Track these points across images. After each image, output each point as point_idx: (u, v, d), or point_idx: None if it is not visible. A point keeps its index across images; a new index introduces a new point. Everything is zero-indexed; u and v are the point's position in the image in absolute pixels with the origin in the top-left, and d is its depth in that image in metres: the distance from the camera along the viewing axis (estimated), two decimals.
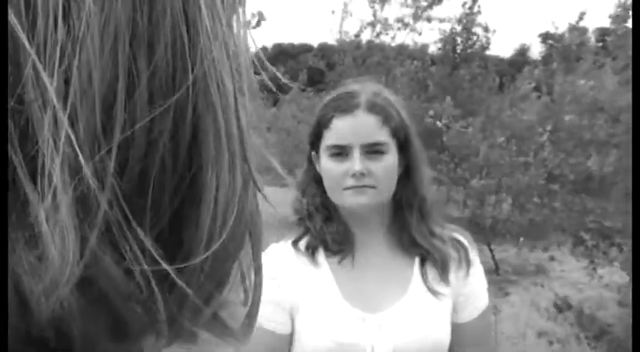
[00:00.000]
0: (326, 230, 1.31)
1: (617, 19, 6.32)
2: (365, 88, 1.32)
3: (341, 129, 1.27)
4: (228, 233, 0.30)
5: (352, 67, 10.17)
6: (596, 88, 6.83)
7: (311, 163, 1.37)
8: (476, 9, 10.58)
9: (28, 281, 0.25)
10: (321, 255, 1.32)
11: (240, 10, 0.32)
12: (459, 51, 10.91)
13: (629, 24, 6.22)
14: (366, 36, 10.78)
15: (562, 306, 5.66)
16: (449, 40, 10.84)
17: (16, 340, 0.26)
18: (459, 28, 10.79)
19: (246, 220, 0.32)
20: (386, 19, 10.66)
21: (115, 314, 0.28)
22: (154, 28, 0.27)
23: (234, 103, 0.30)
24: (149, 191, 0.27)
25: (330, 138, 1.28)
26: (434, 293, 1.29)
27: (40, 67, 0.24)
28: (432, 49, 11.28)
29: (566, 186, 6.68)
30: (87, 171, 0.24)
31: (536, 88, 9.79)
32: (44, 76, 0.24)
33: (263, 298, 1.19)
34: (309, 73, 12.17)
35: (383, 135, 1.27)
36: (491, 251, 7.72)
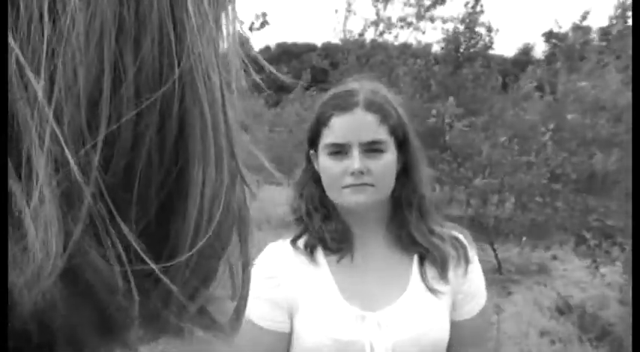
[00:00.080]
0: (325, 228, 1.31)
1: (616, 19, 6.32)
2: (363, 87, 1.32)
3: (340, 128, 1.27)
4: (214, 228, 0.30)
5: (356, 66, 10.18)
6: (598, 87, 6.82)
7: (309, 162, 1.37)
8: (478, 8, 10.57)
9: (10, 273, 0.25)
10: (319, 254, 1.32)
11: (230, 7, 0.33)
12: (461, 50, 10.90)
13: (628, 23, 6.22)
14: (369, 35, 10.77)
15: (563, 309, 5.66)
16: (452, 39, 10.83)
17: None
18: (461, 28, 10.78)
19: (233, 215, 0.32)
20: (389, 18, 10.66)
21: (101, 308, 0.28)
22: (140, 24, 0.27)
23: (221, 99, 0.31)
24: (135, 185, 0.27)
25: (328, 136, 1.28)
26: (433, 291, 1.30)
27: (24, 62, 0.24)
28: (435, 48, 11.27)
29: (568, 186, 6.67)
30: (72, 165, 0.25)
31: (540, 88, 9.78)
32: (28, 71, 0.24)
33: (262, 297, 1.20)
34: (313, 72, 12.18)
35: (382, 134, 1.27)
36: (494, 250, 7.72)
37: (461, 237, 1.38)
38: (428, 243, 1.31)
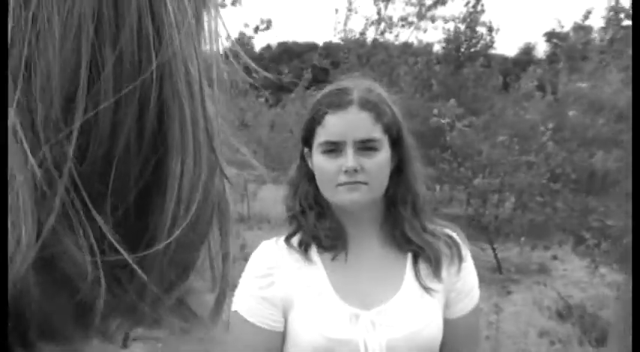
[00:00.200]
0: (319, 226, 1.31)
1: (609, 22, 6.33)
2: (358, 85, 1.32)
3: (334, 126, 1.27)
4: (192, 219, 0.31)
5: (356, 65, 10.18)
6: (598, 87, 6.82)
7: (304, 160, 1.37)
8: (479, 8, 10.56)
9: None
10: (314, 252, 1.32)
11: (211, 4, 0.33)
12: (462, 50, 10.90)
13: (623, 23, 6.21)
14: (370, 34, 10.78)
15: (563, 312, 5.66)
16: (452, 39, 10.83)
17: None
18: (462, 27, 10.79)
19: (212, 207, 0.32)
20: (390, 18, 10.66)
21: (77, 297, 0.29)
22: (119, 18, 0.27)
23: (199, 92, 0.31)
24: (112, 174, 0.28)
25: (322, 134, 1.28)
26: (426, 289, 1.30)
27: None
28: (436, 48, 11.27)
29: (568, 186, 6.67)
30: (47, 156, 0.25)
31: (541, 88, 9.77)
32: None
33: (256, 295, 1.20)
34: (314, 71, 12.17)
35: (376, 132, 1.27)
36: (493, 250, 7.72)
37: (454, 235, 1.38)
38: (422, 241, 1.31)
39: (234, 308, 1.30)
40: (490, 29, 10.88)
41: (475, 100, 9.91)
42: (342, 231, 1.33)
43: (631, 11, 7.53)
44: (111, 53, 0.27)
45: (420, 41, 11.04)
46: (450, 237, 1.37)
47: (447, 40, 10.92)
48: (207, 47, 0.33)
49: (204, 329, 0.36)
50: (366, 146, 1.26)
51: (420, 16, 10.54)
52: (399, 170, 1.33)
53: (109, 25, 0.27)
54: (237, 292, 1.32)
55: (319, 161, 1.29)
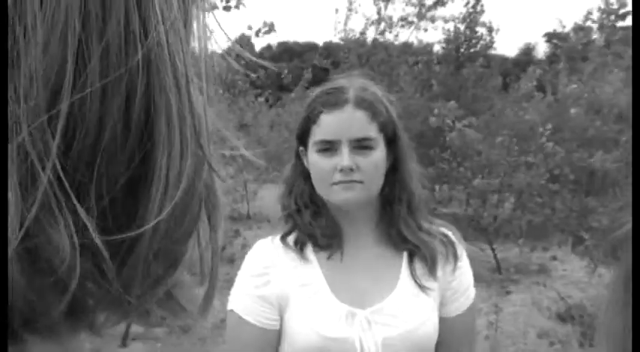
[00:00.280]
0: (315, 225, 1.31)
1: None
2: (353, 84, 1.32)
3: (329, 125, 1.27)
4: (178, 213, 0.31)
5: (356, 65, 10.18)
6: (597, 87, 6.82)
7: (299, 158, 1.37)
8: (479, 8, 10.56)
9: None
10: (309, 251, 1.32)
11: (200, 0, 0.33)
12: (462, 50, 10.90)
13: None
14: (370, 34, 10.78)
15: (563, 313, 5.66)
16: (452, 39, 10.84)
17: None
18: (462, 28, 10.79)
19: (198, 202, 0.33)
20: (390, 17, 10.66)
21: (67, 290, 0.29)
22: (105, 12, 0.28)
23: (186, 87, 0.31)
24: (97, 165, 0.28)
25: (318, 133, 1.29)
26: (422, 288, 1.30)
27: None
28: (436, 48, 11.27)
29: (567, 186, 6.68)
30: (30, 149, 0.25)
31: (541, 88, 9.77)
32: None
33: (252, 294, 1.20)
34: (314, 71, 12.17)
35: (371, 131, 1.27)
36: (493, 250, 7.72)
37: (450, 233, 1.38)
38: (417, 239, 1.32)
39: (230, 307, 1.30)
40: (490, 29, 10.89)
41: (475, 101, 9.91)
42: (338, 229, 1.34)
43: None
44: (97, 47, 0.27)
45: (420, 41, 11.04)
46: (446, 236, 1.37)
47: (447, 41, 10.93)
48: (196, 42, 0.33)
49: (193, 322, 0.36)
50: (361, 145, 1.27)
51: (420, 16, 10.55)
52: (394, 169, 1.33)
53: (96, 19, 0.27)
54: (234, 291, 1.32)
55: (315, 160, 1.29)
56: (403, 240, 1.32)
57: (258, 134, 10.93)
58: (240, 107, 10.58)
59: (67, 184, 0.27)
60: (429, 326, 1.29)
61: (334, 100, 1.28)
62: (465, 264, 1.38)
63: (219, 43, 0.34)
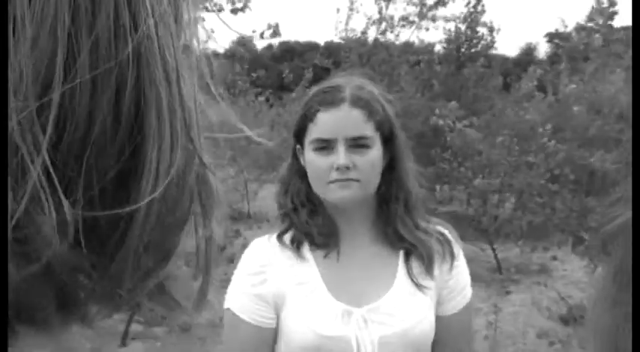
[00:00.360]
0: (311, 223, 1.32)
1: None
2: (350, 82, 1.32)
3: (326, 123, 1.28)
4: (168, 206, 0.31)
5: (357, 64, 10.17)
6: (599, 87, 6.82)
7: (295, 157, 1.37)
8: (479, 8, 10.56)
9: None
10: (306, 249, 1.33)
11: None
12: (463, 50, 10.89)
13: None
14: (372, 34, 10.78)
15: (567, 317, 5.66)
16: (453, 39, 10.83)
17: None
18: (463, 28, 10.79)
19: (189, 195, 0.33)
20: (391, 17, 10.65)
21: (55, 281, 0.29)
22: (95, 6, 0.28)
23: (177, 81, 0.31)
24: (87, 158, 0.28)
25: (314, 131, 1.29)
26: (419, 286, 1.30)
27: None
28: (437, 48, 11.27)
29: (567, 186, 6.67)
30: (21, 142, 0.25)
31: (542, 88, 9.76)
32: None
33: (248, 292, 1.20)
34: (315, 71, 12.17)
35: (368, 129, 1.28)
36: (493, 250, 7.72)
37: (446, 232, 1.38)
38: (414, 238, 1.32)
39: (226, 305, 1.31)
40: (491, 29, 10.88)
41: (475, 101, 9.91)
42: (335, 228, 1.34)
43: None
44: (87, 41, 0.27)
45: (422, 41, 11.05)
46: (443, 235, 1.37)
47: (448, 41, 10.92)
48: (187, 37, 0.33)
49: (188, 316, 0.36)
50: (357, 143, 1.27)
51: (422, 16, 10.55)
52: (391, 168, 1.34)
53: (85, 13, 0.28)
54: (230, 289, 1.32)
55: (311, 158, 1.30)
56: (400, 238, 1.33)
57: (259, 133, 10.92)
58: (240, 106, 10.58)
59: (54, 176, 0.27)
60: (425, 325, 1.29)
61: (331, 99, 1.28)
62: (461, 263, 1.38)
63: (212, 39, 0.34)
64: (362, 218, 1.35)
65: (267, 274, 1.30)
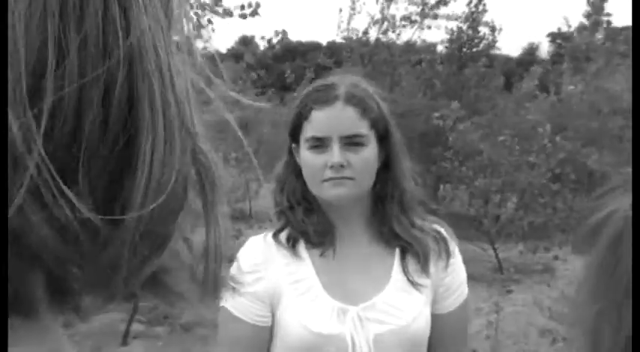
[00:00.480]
0: (307, 222, 1.31)
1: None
2: (344, 80, 1.32)
3: (320, 121, 1.28)
4: (163, 196, 0.31)
5: (359, 64, 10.17)
6: (601, 87, 6.82)
7: (291, 155, 1.37)
8: (481, 8, 10.55)
9: None
10: (302, 248, 1.33)
11: None
12: (464, 50, 10.88)
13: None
14: (373, 33, 10.78)
15: (565, 312, 5.64)
16: (455, 39, 10.83)
17: None
18: (464, 27, 10.78)
19: (183, 183, 0.33)
20: (393, 17, 10.65)
21: (51, 275, 0.29)
22: (83, 0, 0.28)
23: (169, 73, 0.31)
24: (79, 151, 0.28)
25: (309, 130, 1.29)
26: (414, 285, 1.30)
27: None
28: (439, 48, 11.27)
29: (568, 186, 6.67)
30: (14, 135, 0.26)
31: (544, 88, 9.76)
32: None
33: (244, 291, 1.19)
34: (316, 70, 12.17)
35: (362, 127, 1.28)
36: (494, 250, 7.72)
37: (442, 230, 1.38)
38: (409, 236, 1.32)
39: (222, 303, 1.31)
40: (492, 29, 10.88)
41: (477, 100, 9.91)
42: (330, 226, 1.34)
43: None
44: (75, 36, 0.28)
45: (424, 41, 11.05)
46: (438, 233, 1.37)
47: (450, 40, 10.92)
48: (177, 28, 0.33)
49: (188, 307, 0.36)
50: (352, 141, 1.27)
51: (424, 15, 10.54)
52: (386, 166, 1.34)
53: (74, 7, 0.28)
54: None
55: (306, 156, 1.30)
56: (395, 236, 1.33)
57: (259, 133, 10.92)
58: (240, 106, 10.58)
59: (52, 167, 0.27)
60: (421, 323, 1.29)
61: (325, 97, 1.28)
62: (457, 261, 1.38)
63: (204, 32, 0.34)
64: (357, 216, 1.35)
65: (263, 272, 1.30)
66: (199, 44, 0.35)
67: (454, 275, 1.37)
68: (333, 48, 14.03)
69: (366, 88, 1.33)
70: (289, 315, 1.28)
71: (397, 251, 1.34)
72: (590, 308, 0.61)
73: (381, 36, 10.72)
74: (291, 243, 1.33)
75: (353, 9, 10.74)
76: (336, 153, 1.25)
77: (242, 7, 5.80)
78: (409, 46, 10.91)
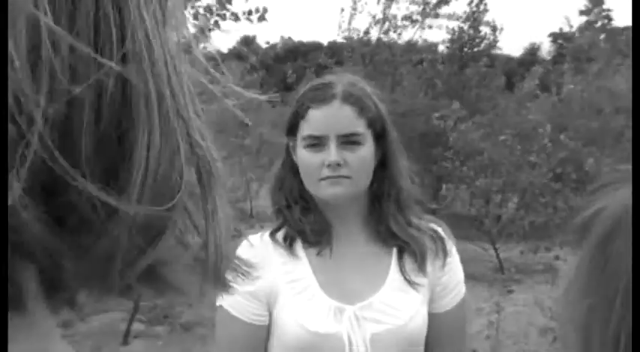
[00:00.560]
0: (304, 221, 1.31)
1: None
2: (341, 79, 1.32)
3: (317, 120, 1.28)
4: (159, 187, 0.31)
5: (360, 64, 10.18)
6: (603, 87, 6.83)
7: (288, 154, 1.37)
8: (482, 7, 10.55)
9: None
10: (299, 247, 1.33)
11: None
12: (465, 49, 10.89)
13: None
14: (374, 33, 10.78)
15: None
16: (456, 38, 10.83)
17: None
18: (465, 27, 10.78)
19: (178, 178, 0.32)
20: (394, 16, 10.66)
21: (44, 268, 0.29)
22: None
23: (165, 68, 0.31)
24: (70, 145, 0.28)
25: (306, 128, 1.29)
26: (411, 284, 1.30)
27: None
28: (440, 47, 11.28)
29: (569, 185, 6.67)
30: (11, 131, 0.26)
31: (546, 88, 9.76)
32: None
33: (241, 290, 1.19)
34: (317, 70, 12.17)
35: (359, 126, 1.28)
36: (495, 250, 7.72)
37: (439, 229, 1.38)
38: (406, 235, 1.32)
39: (219, 302, 1.31)
40: (494, 28, 10.88)
41: (478, 100, 9.91)
42: (327, 225, 1.34)
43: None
44: (68, 29, 0.27)
45: (425, 41, 11.05)
46: (435, 232, 1.37)
47: (451, 40, 10.92)
48: (173, 23, 0.33)
49: (187, 301, 0.35)
50: (349, 140, 1.27)
51: (425, 15, 10.54)
52: (383, 165, 1.33)
53: (66, 2, 0.28)
54: None
55: (303, 155, 1.30)
56: (392, 236, 1.33)
57: (260, 132, 10.92)
58: (241, 106, 10.57)
59: (60, 158, 0.27)
60: (417, 322, 1.29)
61: (322, 96, 1.28)
62: (454, 260, 1.38)
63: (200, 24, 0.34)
64: (354, 215, 1.35)
65: (260, 271, 1.29)
66: (200, 44, 0.35)
67: (451, 274, 1.36)
68: (334, 48, 14.05)
69: (363, 86, 1.33)
70: (286, 314, 1.28)
71: (394, 250, 1.34)
72: (581, 305, 0.61)
73: (382, 36, 10.73)
74: (288, 242, 1.32)
75: (354, 9, 10.74)
76: (333, 151, 1.25)
77: (249, 13, 5.82)
78: (410, 45, 10.91)
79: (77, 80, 0.28)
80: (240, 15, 5.67)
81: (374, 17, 10.69)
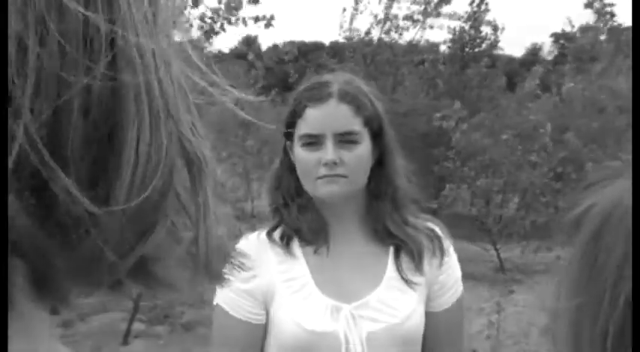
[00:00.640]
0: (301, 219, 1.32)
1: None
2: (338, 78, 1.32)
3: (314, 119, 1.28)
4: (149, 183, 0.31)
5: (362, 64, 10.17)
6: (605, 86, 6.82)
7: (286, 153, 1.37)
8: (483, 7, 10.55)
9: None
10: (295, 245, 1.33)
11: None
12: (466, 49, 10.89)
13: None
14: (376, 33, 10.77)
15: None
16: (457, 39, 10.83)
17: None
18: (466, 27, 10.78)
19: (168, 173, 0.32)
20: (396, 16, 10.65)
21: (32, 264, 0.29)
22: None
23: (153, 63, 0.31)
24: (60, 143, 0.28)
25: (303, 127, 1.29)
26: (408, 282, 1.30)
27: None
28: (442, 48, 11.28)
29: (569, 185, 6.67)
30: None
31: (547, 88, 9.75)
32: None
33: (237, 288, 1.19)
34: (317, 70, 12.17)
35: (356, 125, 1.28)
36: (496, 250, 7.72)
37: (436, 228, 1.38)
38: (403, 234, 1.32)
39: (215, 301, 1.31)
40: (495, 28, 10.88)
41: (479, 100, 9.91)
42: (324, 224, 1.34)
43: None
44: (57, 25, 0.27)
45: (426, 41, 11.05)
46: (432, 231, 1.37)
47: (453, 40, 10.92)
48: (163, 20, 0.33)
49: (178, 295, 0.35)
50: (345, 139, 1.27)
51: (426, 14, 10.54)
52: (380, 163, 1.34)
53: None
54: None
55: (300, 154, 1.30)
56: (389, 234, 1.33)
57: (260, 131, 10.92)
58: (241, 106, 10.58)
59: (46, 156, 0.27)
60: (414, 321, 1.29)
61: (318, 94, 1.29)
62: (452, 259, 1.38)
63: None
64: (351, 214, 1.35)
65: (257, 270, 1.30)
66: (202, 44, 0.35)
67: (449, 272, 1.37)
68: (335, 48, 14.03)
69: (359, 85, 1.33)
70: (283, 313, 1.28)
71: (391, 249, 1.34)
72: (572, 302, 0.61)
73: (383, 36, 10.72)
74: (285, 241, 1.33)
75: (356, 9, 10.74)
76: (330, 150, 1.25)
77: (256, 19, 5.85)
78: (412, 46, 10.90)
79: (66, 72, 0.28)
80: (247, 19, 5.71)
81: (375, 17, 10.69)
